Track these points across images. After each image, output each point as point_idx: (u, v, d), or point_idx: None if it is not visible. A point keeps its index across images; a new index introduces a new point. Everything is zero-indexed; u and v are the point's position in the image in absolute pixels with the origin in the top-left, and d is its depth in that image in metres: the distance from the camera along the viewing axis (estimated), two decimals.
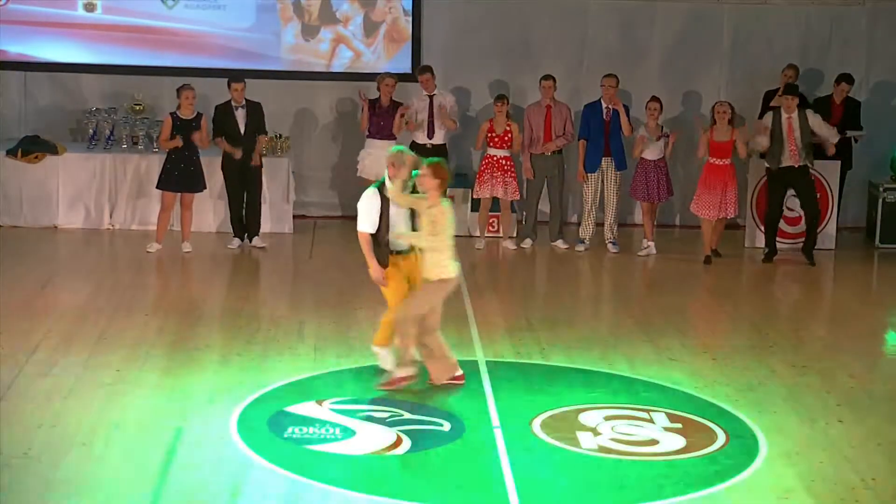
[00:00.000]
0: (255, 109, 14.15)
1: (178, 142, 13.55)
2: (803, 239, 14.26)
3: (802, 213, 14.33)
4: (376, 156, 14.45)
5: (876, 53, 16.10)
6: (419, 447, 8.30)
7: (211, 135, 14.04)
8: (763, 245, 14.33)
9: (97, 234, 14.75)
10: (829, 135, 14.08)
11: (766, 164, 14.07)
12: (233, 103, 14.07)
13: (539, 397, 9.27)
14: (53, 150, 14.84)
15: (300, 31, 15.91)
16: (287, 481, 7.71)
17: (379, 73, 14.92)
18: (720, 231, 14.40)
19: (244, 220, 14.27)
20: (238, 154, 13.90)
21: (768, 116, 14.06)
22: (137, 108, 15.39)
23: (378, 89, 14.65)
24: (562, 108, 14.59)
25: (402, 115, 14.51)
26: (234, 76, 14.17)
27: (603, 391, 9.49)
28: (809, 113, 13.95)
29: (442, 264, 9.19)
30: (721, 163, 13.86)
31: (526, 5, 15.92)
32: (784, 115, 13.84)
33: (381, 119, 14.56)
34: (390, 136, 14.53)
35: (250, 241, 14.25)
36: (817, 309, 12.76)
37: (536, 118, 14.52)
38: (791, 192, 14.19)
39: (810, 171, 14.06)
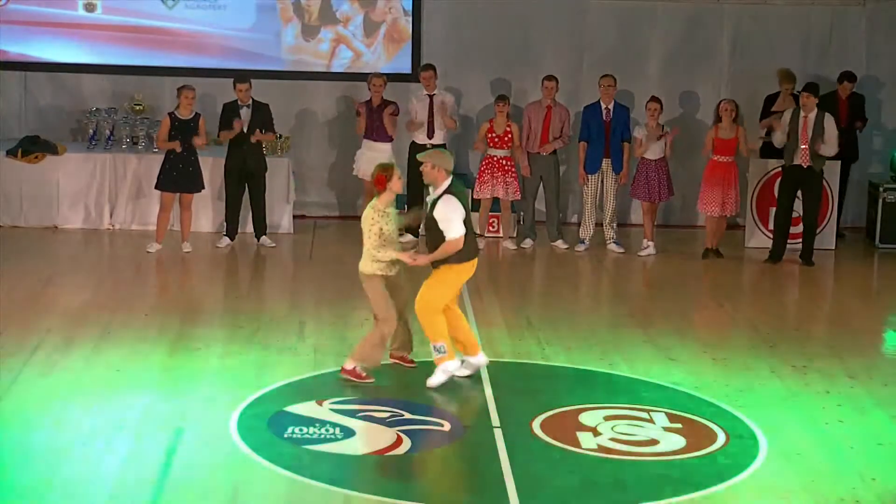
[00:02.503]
0: (260, 109, 14.17)
1: (177, 145, 13.56)
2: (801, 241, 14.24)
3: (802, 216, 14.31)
4: (370, 156, 14.44)
5: (876, 53, 16.09)
6: (419, 447, 8.30)
7: (216, 132, 14.10)
8: (765, 245, 14.29)
9: (97, 234, 14.74)
10: (830, 148, 13.92)
11: (783, 162, 14.06)
12: (238, 102, 14.09)
13: (539, 397, 9.27)
14: (53, 150, 14.83)
15: (300, 32, 15.89)
16: (287, 481, 7.72)
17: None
18: (721, 231, 14.39)
19: (252, 220, 14.35)
20: (239, 126, 13.89)
21: (787, 112, 13.99)
22: (137, 108, 15.38)
23: (368, 90, 14.69)
24: (561, 110, 14.57)
25: (393, 114, 14.50)
26: (240, 76, 14.19)
27: (603, 391, 9.50)
28: (828, 118, 13.87)
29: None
30: (724, 160, 13.98)
31: (526, 5, 15.91)
32: (802, 114, 13.81)
33: (374, 120, 14.55)
34: (386, 138, 14.54)
35: (258, 241, 14.28)
36: (817, 309, 12.75)
37: (536, 117, 14.50)
38: (798, 193, 14.13)
39: (822, 177, 14.04)
